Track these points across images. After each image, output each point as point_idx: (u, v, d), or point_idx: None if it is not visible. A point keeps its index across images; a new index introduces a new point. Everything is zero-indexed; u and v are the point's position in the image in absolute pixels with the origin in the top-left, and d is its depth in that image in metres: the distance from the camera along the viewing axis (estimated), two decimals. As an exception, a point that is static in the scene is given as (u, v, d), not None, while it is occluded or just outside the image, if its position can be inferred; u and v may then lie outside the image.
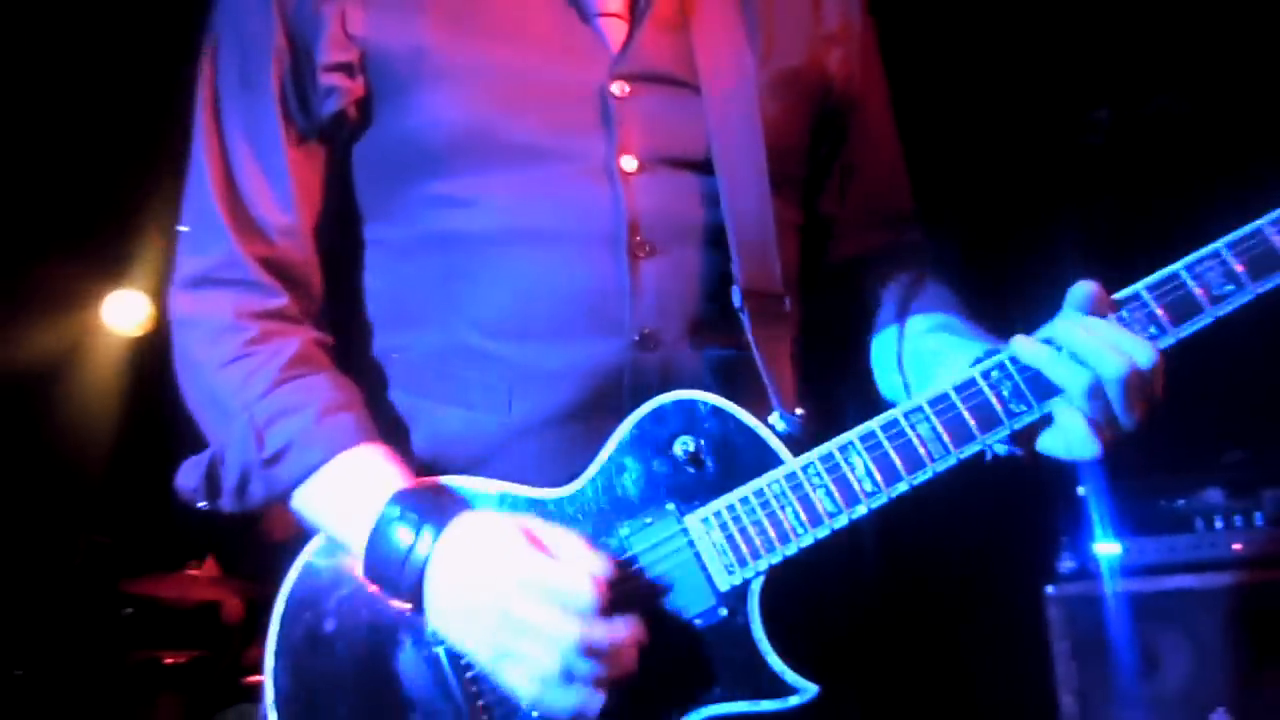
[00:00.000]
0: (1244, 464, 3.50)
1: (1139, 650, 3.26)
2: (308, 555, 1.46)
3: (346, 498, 1.41)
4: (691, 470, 1.40)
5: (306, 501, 1.44)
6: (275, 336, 1.48)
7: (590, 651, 1.29)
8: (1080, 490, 3.48)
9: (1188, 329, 1.32)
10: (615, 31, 1.52)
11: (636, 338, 1.44)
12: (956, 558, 4.03)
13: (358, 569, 1.40)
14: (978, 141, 4.05)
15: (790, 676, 1.36)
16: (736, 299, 1.47)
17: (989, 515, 3.92)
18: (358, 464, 1.43)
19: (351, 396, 1.47)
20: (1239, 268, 1.31)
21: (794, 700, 1.36)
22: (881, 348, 1.63)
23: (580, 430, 1.43)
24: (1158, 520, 3.41)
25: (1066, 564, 3.43)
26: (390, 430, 1.49)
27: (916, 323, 1.59)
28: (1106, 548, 3.38)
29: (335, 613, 1.43)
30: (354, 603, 1.42)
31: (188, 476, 1.48)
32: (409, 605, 1.37)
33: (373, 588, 1.40)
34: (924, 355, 1.53)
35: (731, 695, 1.37)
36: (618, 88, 1.48)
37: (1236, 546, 3.31)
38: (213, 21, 1.56)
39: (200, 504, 1.48)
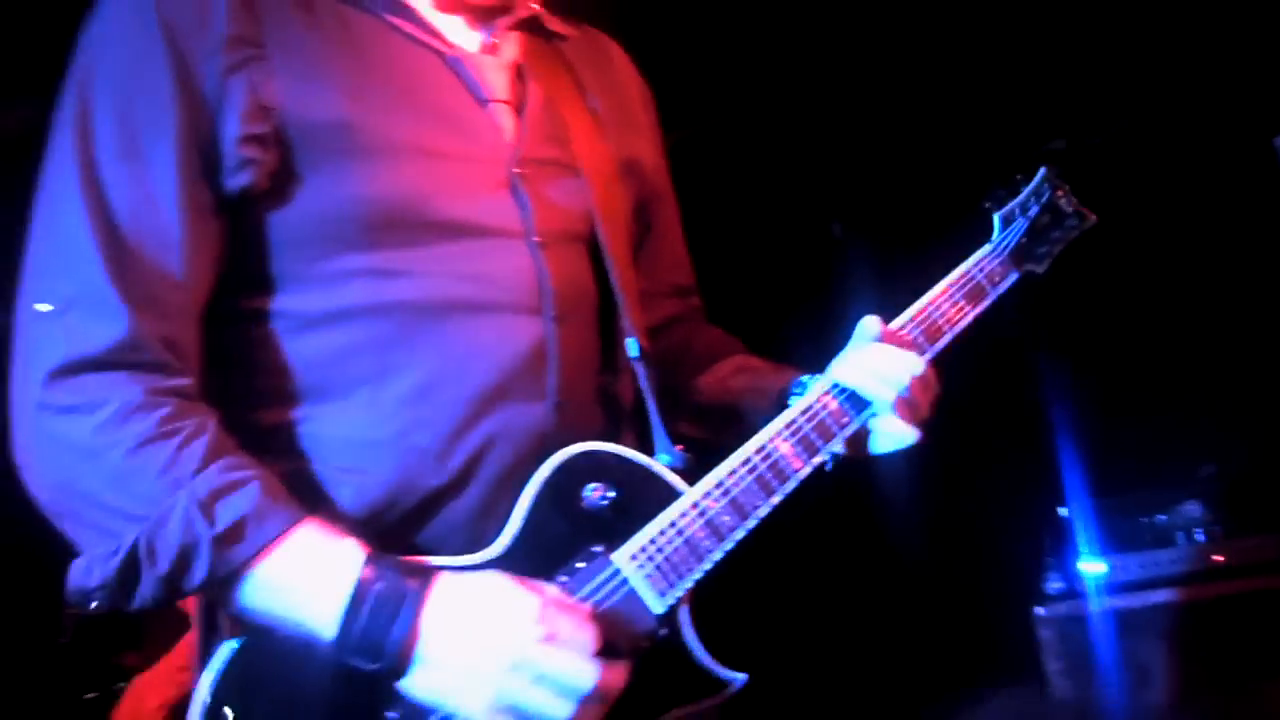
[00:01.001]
0: (1217, 476, 3.58)
1: (1130, 666, 3.30)
2: (231, 644, 1.39)
3: (310, 570, 1.37)
4: (605, 513, 1.51)
5: (259, 579, 1.37)
6: (191, 413, 1.40)
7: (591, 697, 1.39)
8: (1063, 511, 3.54)
9: (939, 346, 1.74)
10: (505, 118, 1.61)
11: (558, 399, 1.54)
12: (944, 583, 4.07)
13: (326, 638, 1.36)
14: (937, 172, 4.14)
15: (723, 672, 1.55)
16: (634, 351, 1.64)
17: (973, 541, 3.98)
18: (312, 537, 1.39)
19: (273, 474, 1.42)
20: (961, 300, 1.77)
21: (729, 691, 1.56)
22: (700, 394, 1.86)
23: (507, 488, 1.50)
24: (1140, 536, 3.48)
25: (1054, 585, 3.48)
26: (314, 502, 1.44)
27: (721, 368, 1.87)
28: (1092, 566, 3.44)
29: (285, 698, 1.38)
30: (306, 681, 1.38)
31: (88, 574, 1.36)
32: (389, 673, 1.37)
33: (345, 659, 1.36)
34: (737, 390, 1.83)
35: (679, 701, 1.53)
36: (519, 169, 1.58)
37: (1218, 558, 3.38)
38: (80, 90, 1.46)
39: (97, 605, 1.35)
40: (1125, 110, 3.89)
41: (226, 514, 1.35)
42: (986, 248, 1.83)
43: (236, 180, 1.45)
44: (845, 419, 1.65)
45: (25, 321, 1.41)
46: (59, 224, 1.43)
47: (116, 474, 1.35)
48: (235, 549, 1.35)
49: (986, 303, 1.80)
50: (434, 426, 1.48)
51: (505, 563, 1.46)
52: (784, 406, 1.67)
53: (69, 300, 1.39)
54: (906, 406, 1.66)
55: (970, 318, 1.78)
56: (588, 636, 1.40)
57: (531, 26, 1.72)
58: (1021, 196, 1.88)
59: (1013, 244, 1.84)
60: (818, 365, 1.73)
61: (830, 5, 3.85)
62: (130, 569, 1.34)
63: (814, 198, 4.31)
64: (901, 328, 1.73)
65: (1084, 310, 3.90)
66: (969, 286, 1.79)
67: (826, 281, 4.10)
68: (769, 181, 4.28)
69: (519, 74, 1.66)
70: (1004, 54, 3.91)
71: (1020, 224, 1.85)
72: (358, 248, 1.48)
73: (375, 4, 1.58)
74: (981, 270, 1.81)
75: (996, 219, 1.85)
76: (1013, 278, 1.83)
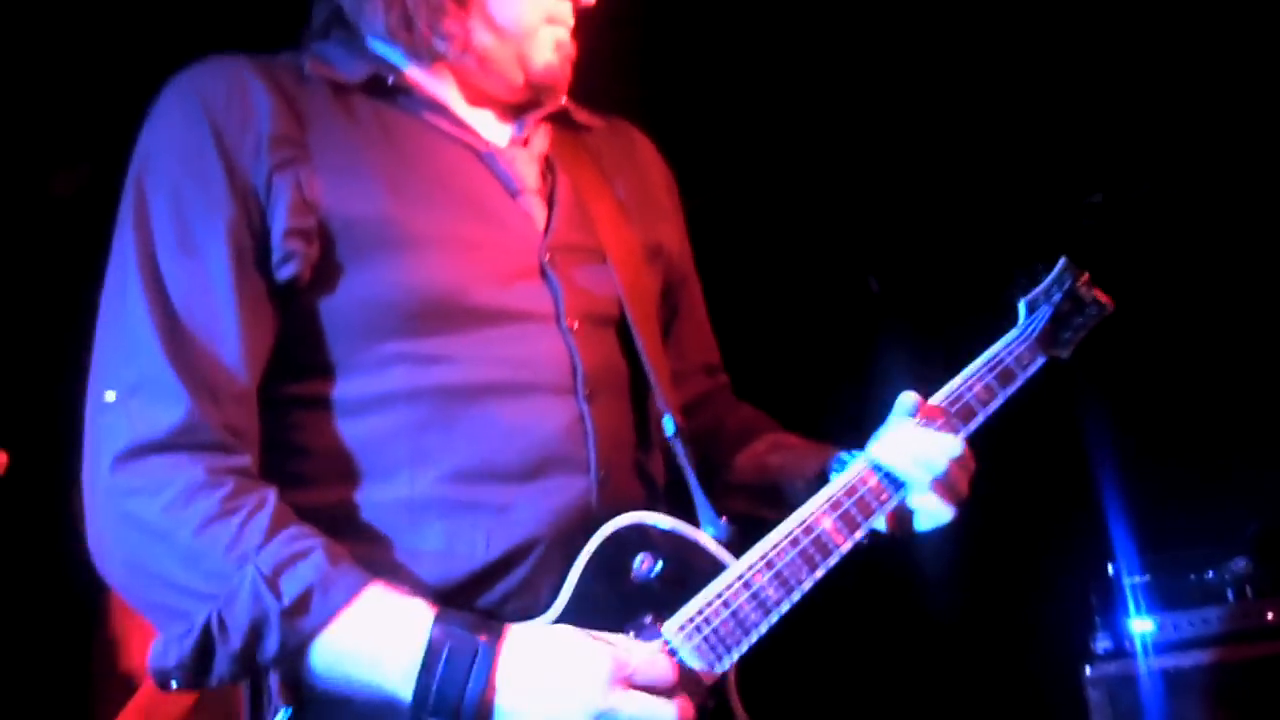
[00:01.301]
0: (1267, 532, 3.52)
1: (1181, 726, 3.24)
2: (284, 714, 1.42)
3: (381, 632, 1.40)
4: (654, 584, 1.53)
5: (330, 646, 1.39)
6: (251, 489, 1.44)
7: None
8: (1111, 569, 3.49)
9: (973, 425, 1.80)
10: (536, 208, 1.68)
11: (599, 473, 1.58)
12: (992, 643, 4.01)
13: (402, 699, 1.37)
14: (976, 225, 4.15)
15: None
16: (670, 428, 1.68)
17: (1021, 598, 3.92)
18: (380, 600, 1.41)
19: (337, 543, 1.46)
20: (992, 381, 1.84)
21: None
22: (738, 471, 1.90)
23: (555, 561, 1.52)
24: (1190, 594, 3.42)
25: (1102, 644, 3.42)
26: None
27: (758, 445, 1.91)
28: (1141, 625, 3.38)
29: None
30: None
31: (168, 654, 1.39)
32: None
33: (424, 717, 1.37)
34: (776, 468, 1.87)
35: None
36: (549, 256, 1.64)
37: (1270, 615, 3.31)
38: (138, 189, 1.55)
39: (178, 684, 1.39)
40: (1165, 164, 3.88)
41: (292, 586, 1.38)
42: (1014, 332, 1.91)
43: (283, 272, 1.52)
44: (885, 495, 1.70)
45: (93, 410, 1.48)
46: (122, 316, 1.50)
47: (185, 554, 1.40)
48: (304, 619, 1.38)
49: (1015, 385, 1.87)
50: (477, 506, 1.51)
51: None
52: (823, 484, 1.70)
53: (132, 386, 1.45)
54: (943, 487, 1.71)
55: (1001, 399, 1.84)
56: (663, 675, 1.43)
57: (560, 120, 1.80)
58: (1044, 284, 1.96)
59: (1038, 330, 1.91)
60: (858, 431, 1.76)
61: (865, 62, 3.88)
62: (205, 647, 1.38)
63: (849, 255, 4.31)
64: (938, 405, 1.78)
65: (1130, 366, 3.87)
66: (999, 369, 1.85)
67: (865, 343, 4.10)
68: (802, 240, 4.30)
69: (548, 165, 1.74)
70: (1038, 109, 3.92)
71: (1044, 310, 1.93)
72: (397, 335, 1.53)
73: (412, 104, 1.67)
74: (1010, 354, 1.88)
75: (1021, 305, 1.93)
76: (1039, 362, 1.90)
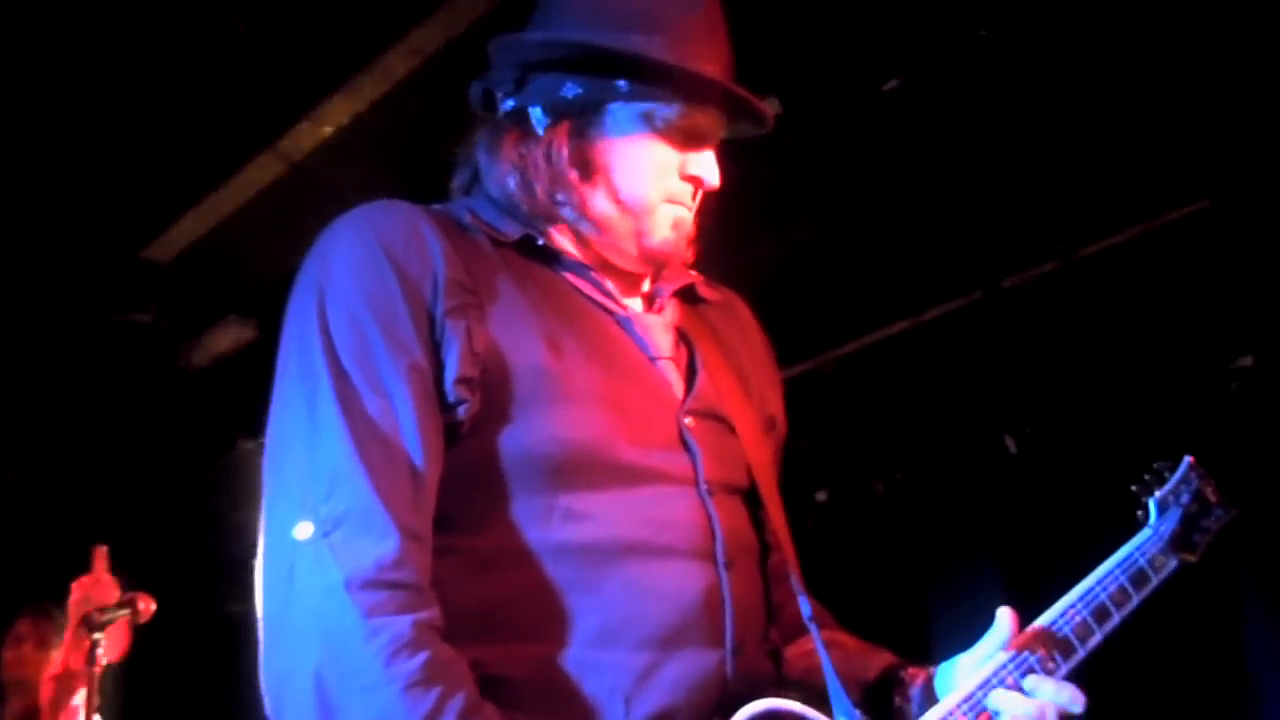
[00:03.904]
0: None
1: None
2: None
3: None
4: None
5: None
6: (452, 667, 1.42)
7: None
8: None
9: (1109, 627, 1.72)
10: (672, 373, 1.71)
11: (734, 645, 1.56)
12: None
13: None
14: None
15: None
16: (807, 610, 1.68)
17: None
18: None
19: None
20: (1126, 583, 1.76)
21: None
22: (787, 664, 1.78)
23: None
24: None
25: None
26: None
27: (809, 640, 1.76)
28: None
29: None
30: None
31: None
32: None
33: None
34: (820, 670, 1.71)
35: None
36: (689, 421, 1.66)
37: None
38: (323, 324, 1.54)
39: None
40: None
41: None
42: (1147, 532, 1.85)
43: (450, 418, 1.52)
44: None
45: (280, 542, 1.47)
46: (315, 448, 1.49)
47: (382, 706, 1.37)
48: None
49: (1149, 590, 1.79)
50: (618, 671, 1.50)
51: None
52: (882, 694, 1.68)
53: (336, 519, 1.44)
54: None
55: (1136, 603, 1.77)
56: None
57: (685, 294, 1.83)
58: (1171, 484, 1.90)
59: (1169, 531, 1.86)
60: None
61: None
62: None
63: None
64: (1062, 614, 1.70)
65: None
66: (1133, 570, 1.79)
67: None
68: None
69: (680, 335, 1.77)
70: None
71: (1175, 512, 1.87)
72: (544, 490, 1.53)
73: (558, 265, 1.70)
74: (1144, 555, 1.81)
75: (1152, 505, 1.88)
76: (1173, 565, 1.84)
